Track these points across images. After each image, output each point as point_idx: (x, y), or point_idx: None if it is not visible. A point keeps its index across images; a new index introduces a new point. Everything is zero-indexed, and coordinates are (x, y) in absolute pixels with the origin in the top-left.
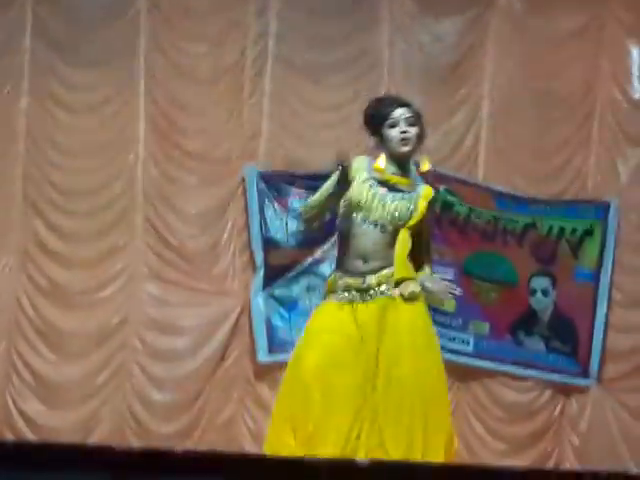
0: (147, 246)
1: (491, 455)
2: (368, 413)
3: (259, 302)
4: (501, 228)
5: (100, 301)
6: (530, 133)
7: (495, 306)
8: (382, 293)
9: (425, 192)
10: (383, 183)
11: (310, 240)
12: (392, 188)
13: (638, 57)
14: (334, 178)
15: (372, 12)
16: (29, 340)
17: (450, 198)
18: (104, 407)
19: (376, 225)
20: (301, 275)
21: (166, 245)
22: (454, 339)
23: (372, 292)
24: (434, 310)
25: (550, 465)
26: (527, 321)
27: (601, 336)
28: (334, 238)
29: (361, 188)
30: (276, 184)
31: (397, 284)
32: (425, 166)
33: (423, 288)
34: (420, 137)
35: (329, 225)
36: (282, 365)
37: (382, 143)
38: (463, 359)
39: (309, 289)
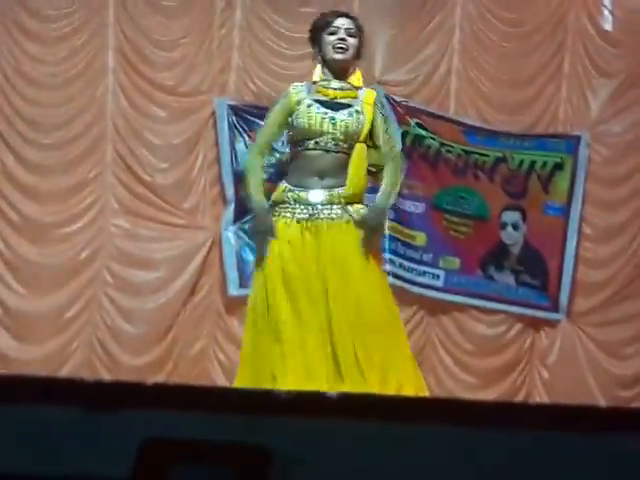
0: (117, 179)
1: (461, 388)
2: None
3: (230, 236)
4: (472, 162)
5: (70, 234)
6: (502, 64)
7: (466, 240)
8: (331, 214)
9: (367, 97)
10: (327, 102)
11: (282, 173)
12: (338, 105)
13: None
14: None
15: None
16: None
17: (421, 132)
18: (75, 340)
19: (330, 146)
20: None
21: (136, 178)
22: (424, 273)
23: (322, 210)
24: (405, 245)
25: (519, 398)
26: (497, 255)
27: (571, 270)
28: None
29: (307, 114)
30: (247, 117)
31: (348, 204)
32: (358, 78)
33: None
34: (359, 51)
35: None
36: None
37: (319, 52)
38: (433, 293)
39: None
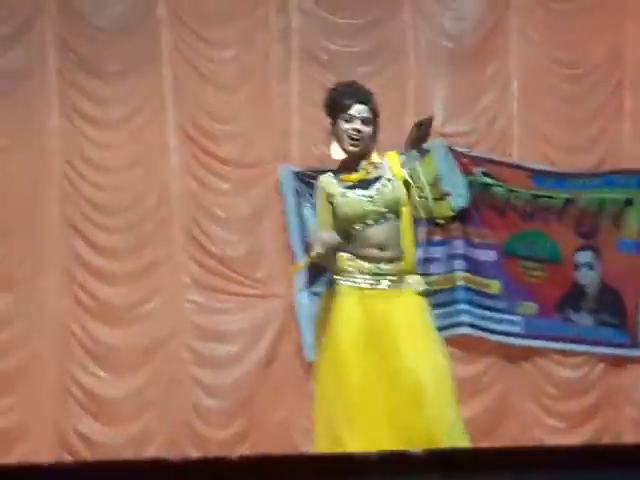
0: (188, 256)
1: (548, 433)
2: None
3: (304, 301)
4: (541, 206)
5: (146, 314)
6: (562, 106)
7: (541, 284)
8: (394, 284)
9: (391, 160)
10: (357, 185)
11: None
12: (368, 182)
13: None
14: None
15: None
16: (78, 359)
17: (487, 180)
18: (158, 419)
19: (380, 221)
20: None
21: (206, 253)
22: (502, 321)
23: (385, 281)
24: (480, 294)
25: (608, 439)
26: (574, 297)
27: None
28: None
29: (347, 203)
30: (312, 182)
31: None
32: (375, 159)
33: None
34: (374, 136)
35: None
36: None
37: (334, 131)
38: (513, 340)
39: None
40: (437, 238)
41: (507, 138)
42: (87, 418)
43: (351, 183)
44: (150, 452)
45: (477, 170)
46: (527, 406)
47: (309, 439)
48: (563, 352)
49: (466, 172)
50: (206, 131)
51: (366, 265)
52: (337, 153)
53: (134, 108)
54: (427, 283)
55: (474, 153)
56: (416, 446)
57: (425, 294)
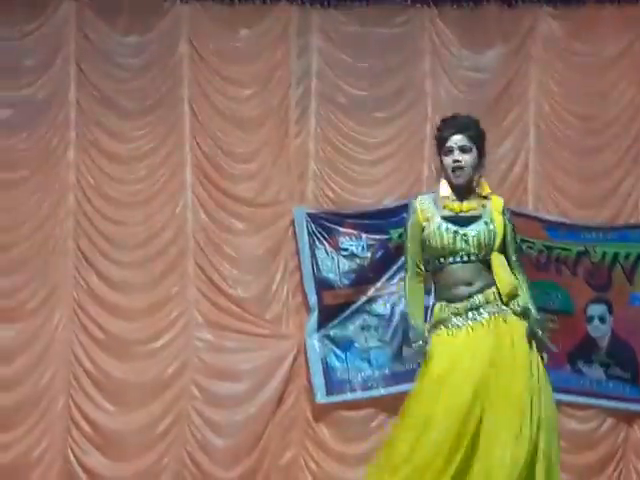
0: (200, 293)
1: None
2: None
3: (314, 343)
4: (554, 257)
5: (156, 350)
6: (578, 159)
7: (552, 335)
8: (492, 312)
9: (495, 205)
10: (455, 218)
11: (363, 279)
12: (466, 219)
13: None
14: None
15: (413, 46)
16: (87, 392)
17: None
18: (165, 456)
19: (465, 259)
20: (355, 314)
21: (219, 291)
22: None
23: (482, 310)
24: None
25: None
26: (585, 349)
27: None
28: (387, 275)
29: (439, 234)
30: (326, 224)
31: (504, 301)
32: (485, 189)
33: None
34: (477, 163)
35: (379, 263)
36: (340, 406)
37: (442, 167)
38: None
39: (364, 328)
40: None
41: (522, 188)
42: (94, 452)
43: (449, 213)
44: None
45: None
46: None
47: None
48: (573, 404)
49: None
50: (223, 169)
51: (459, 305)
52: (445, 190)
53: (152, 144)
54: None
55: None
56: None
57: (524, 312)
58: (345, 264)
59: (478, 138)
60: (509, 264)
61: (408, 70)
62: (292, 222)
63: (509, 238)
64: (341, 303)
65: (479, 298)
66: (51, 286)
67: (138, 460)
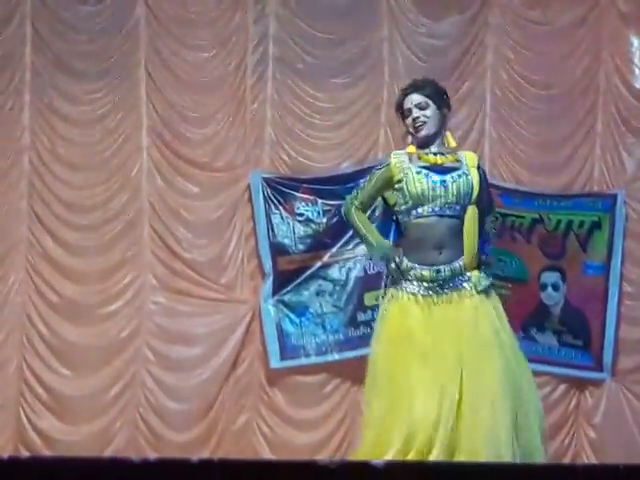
0: (155, 257)
1: None
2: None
3: (269, 308)
4: (508, 224)
5: (110, 313)
6: (534, 126)
7: (506, 303)
8: (456, 287)
9: (469, 160)
10: (433, 168)
11: (318, 244)
12: (444, 169)
13: (638, 46)
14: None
15: (371, 12)
16: (41, 356)
17: None
18: (119, 419)
19: (444, 212)
20: (310, 280)
21: (174, 255)
22: None
23: (446, 285)
24: None
25: (567, 460)
26: (538, 316)
27: (613, 329)
28: (342, 241)
29: (419, 180)
30: (282, 189)
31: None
32: (451, 142)
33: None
34: (439, 118)
35: (335, 229)
36: (294, 370)
37: (407, 132)
38: None
39: (319, 293)
40: None
41: (478, 154)
42: (47, 415)
43: (426, 164)
44: (109, 452)
45: None
46: None
47: (268, 444)
48: None
49: None
50: (179, 133)
51: (425, 273)
52: (412, 148)
53: (108, 107)
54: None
55: None
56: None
57: (487, 290)
58: (300, 229)
59: (435, 95)
60: (483, 225)
61: (365, 36)
62: (248, 187)
63: (485, 195)
64: (296, 268)
65: (445, 271)
66: (5, 248)
67: (91, 423)
